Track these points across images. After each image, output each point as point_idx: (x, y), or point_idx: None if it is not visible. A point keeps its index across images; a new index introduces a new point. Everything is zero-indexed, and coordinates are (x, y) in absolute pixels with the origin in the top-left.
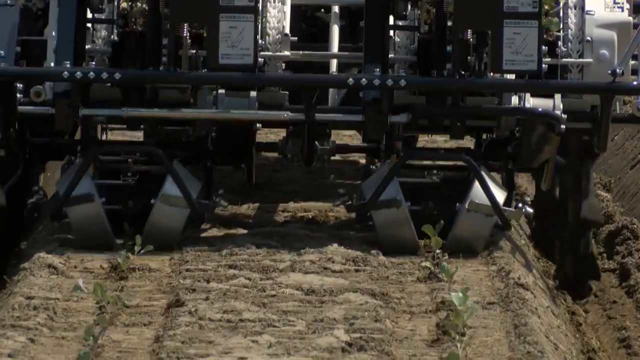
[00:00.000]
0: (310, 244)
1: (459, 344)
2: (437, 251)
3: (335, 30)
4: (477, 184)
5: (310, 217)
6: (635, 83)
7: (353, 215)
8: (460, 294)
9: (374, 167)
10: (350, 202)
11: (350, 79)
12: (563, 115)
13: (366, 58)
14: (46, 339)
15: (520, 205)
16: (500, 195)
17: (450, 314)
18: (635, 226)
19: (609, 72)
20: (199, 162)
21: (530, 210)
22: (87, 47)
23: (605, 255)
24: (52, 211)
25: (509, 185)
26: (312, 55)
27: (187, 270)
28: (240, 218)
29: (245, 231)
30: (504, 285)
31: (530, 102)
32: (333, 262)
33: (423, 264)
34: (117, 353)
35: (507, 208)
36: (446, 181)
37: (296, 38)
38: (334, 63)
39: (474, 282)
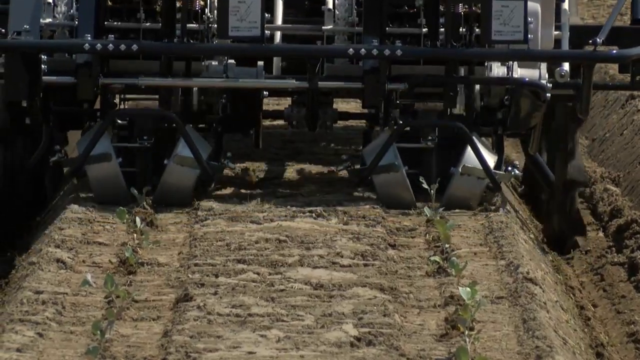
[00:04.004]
0: (319, 238)
1: (467, 339)
2: (446, 246)
3: (279, 3)
4: (469, 149)
5: (319, 211)
6: (614, 51)
7: (361, 207)
8: (469, 289)
9: (377, 129)
10: (352, 167)
11: (351, 49)
12: (548, 85)
13: (365, 29)
14: (55, 334)
15: (509, 168)
16: (491, 159)
17: (459, 308)
18: None
19: (589, 41)
20: (210, 128)
21: (518, 172)
22: (48, 21)
23: (614, 249)
24: (73, 168)
25: (498, 148)
26: None
27: (196, 264)
28: (248, 212)
29: (254, 226)
30: (513, 279)
31: (518, 72)
32: (342, 256)
33: (432, 258)
34: (125, 347)
35: (497, 171)
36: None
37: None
38: (277, 35)
39: (482, 277)
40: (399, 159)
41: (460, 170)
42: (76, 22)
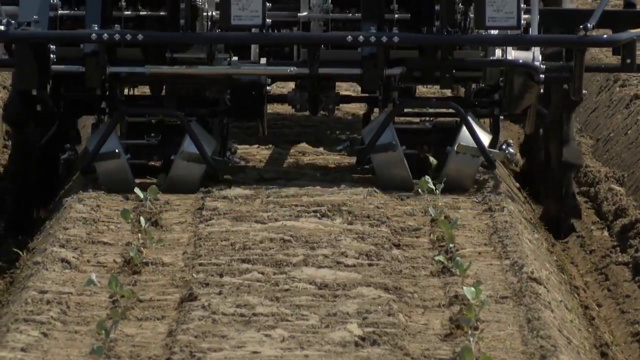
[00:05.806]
0: (323, 238)
1: (472, 338)
2: (451, 245)
3: None
4: (464, 129)
5: (323, 211)
6: (605, 36)
7: (365, 207)
8: (473, 289)
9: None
10: (351, 146)
11: (349, 37)
12: (541, 66)
13: (363, 16)
14: (59, 333)
15: (504, 146)
16: (485, 138)
17: (463, 308)
18: None
19: (581, 26)
20: (215, 119)
21: (512, 151)
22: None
23: (618, 248)
24: (83, 166)
25: (494, 129)
26: None
27: (201, 264)
28: (253, 212)
29: (259, 225)
30: (517, 279)
31: (512, 54)
32: (346, 256)
33: (436, 258)
34: (130, 347)
35: (492, 150)
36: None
37: None
38: None
39: (487, 276)
40: (397, 139)
41: (455, 148)
42: (59, 12)
